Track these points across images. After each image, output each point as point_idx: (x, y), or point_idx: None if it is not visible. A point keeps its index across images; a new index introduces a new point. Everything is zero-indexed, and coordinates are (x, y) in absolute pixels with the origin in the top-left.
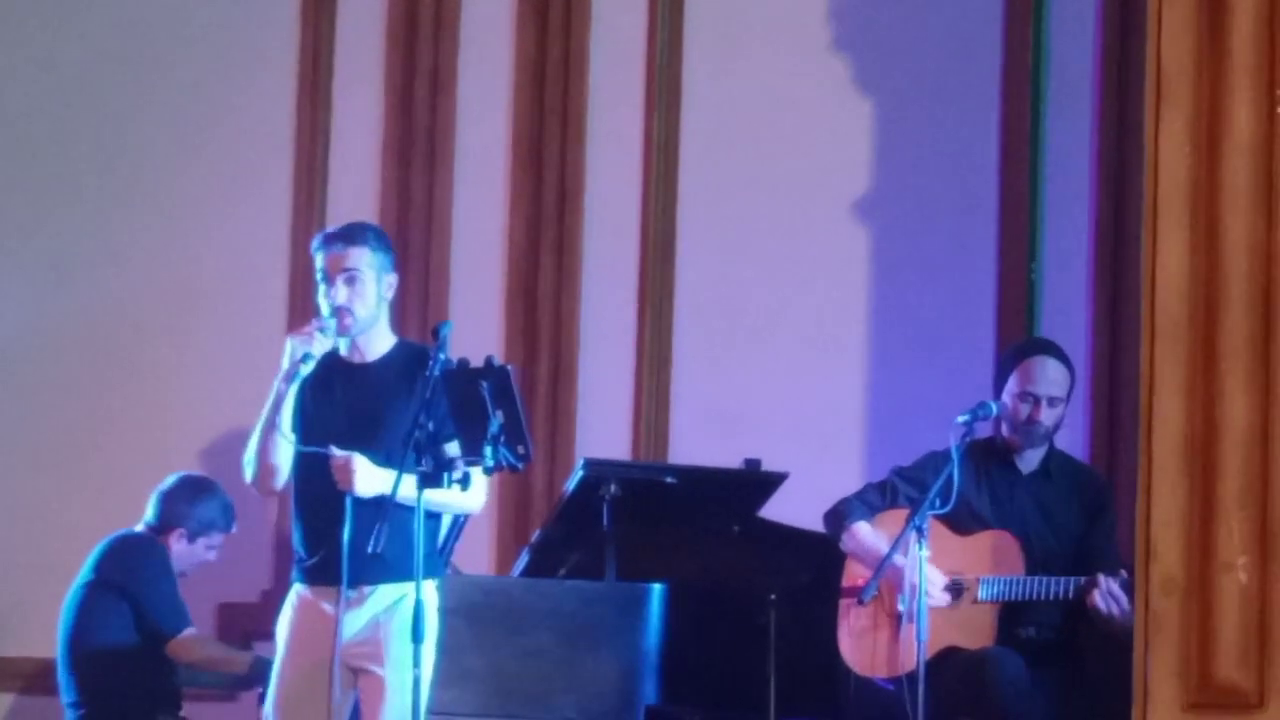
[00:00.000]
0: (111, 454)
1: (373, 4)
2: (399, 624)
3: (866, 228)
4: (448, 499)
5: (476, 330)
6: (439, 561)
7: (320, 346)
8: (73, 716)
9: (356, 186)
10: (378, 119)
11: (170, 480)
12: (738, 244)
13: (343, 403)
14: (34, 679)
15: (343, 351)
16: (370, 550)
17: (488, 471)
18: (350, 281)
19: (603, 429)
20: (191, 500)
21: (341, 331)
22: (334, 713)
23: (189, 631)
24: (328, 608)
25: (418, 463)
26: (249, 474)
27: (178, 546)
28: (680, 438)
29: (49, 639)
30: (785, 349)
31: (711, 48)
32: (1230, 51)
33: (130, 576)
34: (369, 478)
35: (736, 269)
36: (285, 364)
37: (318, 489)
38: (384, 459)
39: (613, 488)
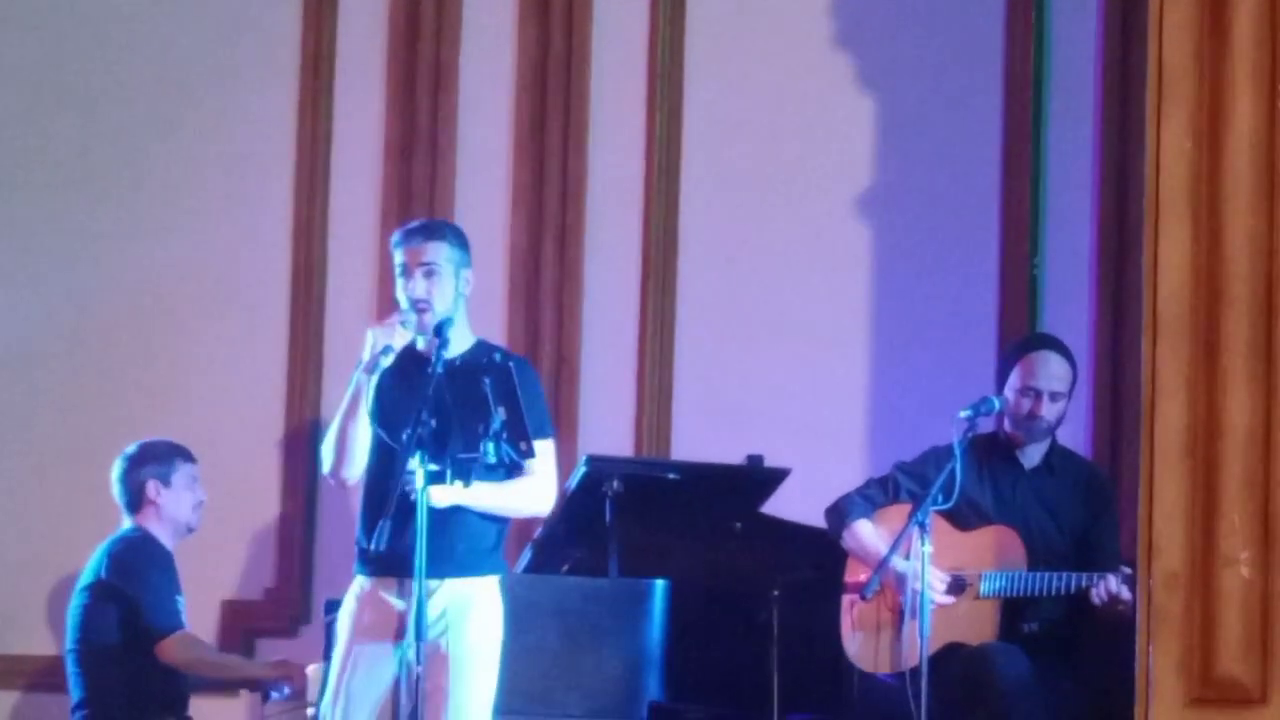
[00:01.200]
0: (113, 453)
1: (375, 2)
2: (464, 628)
3: (868, 224)
4: (511, 502)
5: (479, 327)
6: (501, 559)
7: (401, 339)
8: (79, 717)
9: (359, 183)
10: (380, 116)
11: (113, 470)
12: (740, 240)
13: (420, 397)
14: (38, 676)
15: (420, 346)
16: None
17: (489, 469)
18: (429, 275)
19: (605, 425)
20: (140, 459)
21: (420, 326)
22: (398, 708)
23: (180, 633)
24: (391, 599)
25: (424, 459)
26: (327, 464)
27: (161, 499)
28: (683, 434)
29: (52, 637)
30: (788, 345)
31: (713, 44)
32: (1231, 48)
33: (129, 577)
34: (442, 493)
35: (739, 265)
36: (366, 355)
37: (391, 482)
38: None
39: (615, 484)
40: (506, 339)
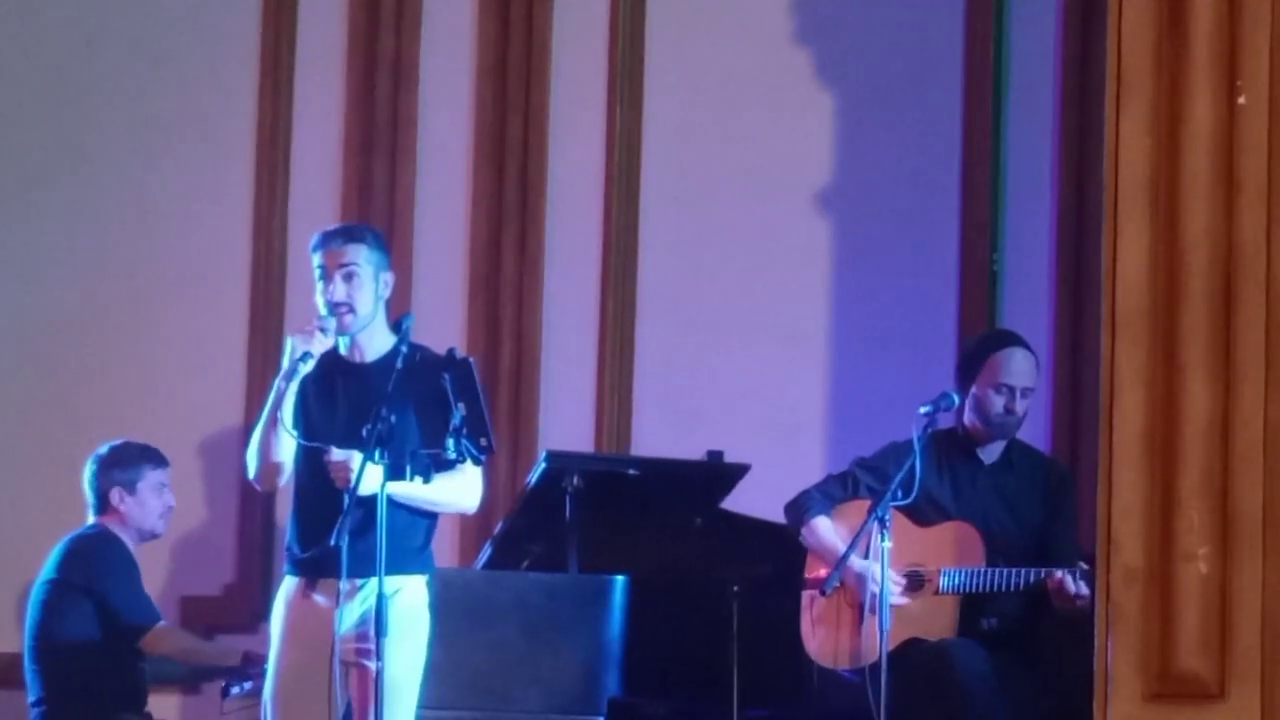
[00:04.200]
0: (73, 449)
1: None
2: (391, 621)
3: (828, 220)
4: (441, 497)
5: (439, 323)
6: (429, 558)
7: (320, 345)
8: (36, 714)
9: (318, 179)
10: (339, 111)
11: (87, 464)
12: (700, 236)
13: (343, 401)
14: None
15: (342, 351)
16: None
17: (449, 465)
18: (348, 278)
19: (565, 421)
20: (109, 463)
21: (341, 329)
22: (333, 707)
23: (162, 624)
24: (321, 601)
25: (381, 456)
26: (251, 470)
27: (125, 507)
28: (643, 430)
29: (12, 634)
30: (747, 341)
31: (674, 40)
32: (1191, 43)
33: (93, 575)
34: (367, 477)
35: (699, 261)
36: (285, 363)
37: (318, 486)
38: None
39: (575, 480)
40: (467, 335)
